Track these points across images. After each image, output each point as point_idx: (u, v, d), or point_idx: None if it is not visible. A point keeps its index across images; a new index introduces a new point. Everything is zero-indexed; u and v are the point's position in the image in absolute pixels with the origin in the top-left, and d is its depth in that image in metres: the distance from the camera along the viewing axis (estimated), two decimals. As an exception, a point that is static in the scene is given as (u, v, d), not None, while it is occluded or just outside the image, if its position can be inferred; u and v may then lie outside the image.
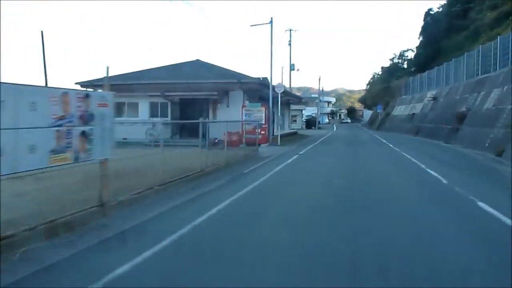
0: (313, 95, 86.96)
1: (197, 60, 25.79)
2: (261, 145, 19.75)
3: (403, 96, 48.74)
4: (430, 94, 36.47)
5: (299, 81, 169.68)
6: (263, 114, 19.83)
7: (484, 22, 40.37)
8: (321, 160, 14.24)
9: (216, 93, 20.01)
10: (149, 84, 20.99)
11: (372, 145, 23.12)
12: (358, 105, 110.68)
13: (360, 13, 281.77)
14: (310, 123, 62.01)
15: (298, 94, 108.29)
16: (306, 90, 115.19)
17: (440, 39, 50.55)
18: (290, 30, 55.28)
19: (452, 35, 48.21)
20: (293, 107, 60.93)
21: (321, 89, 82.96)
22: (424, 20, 55.67)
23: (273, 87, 20.43)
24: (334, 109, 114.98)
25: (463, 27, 45.82)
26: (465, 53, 29.54)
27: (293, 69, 55.75)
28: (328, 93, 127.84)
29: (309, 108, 74.59)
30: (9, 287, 3.45)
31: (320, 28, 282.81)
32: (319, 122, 64.93)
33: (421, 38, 56.20)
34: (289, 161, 13.53)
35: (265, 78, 51.69)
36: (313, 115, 67.48)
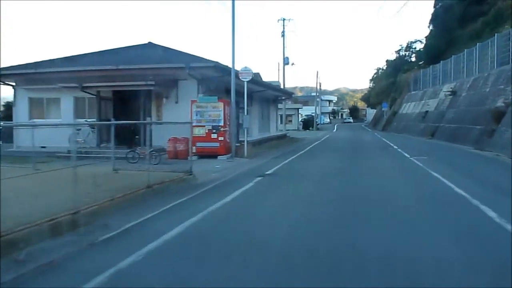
0: (313, 94, 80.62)
1: (149, 43, 19.65)
2: (219, 157, 13.62)
3: (412, 92, 42.47)
4: (447, 87, 30.21)
5: (301, 81, 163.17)
6: (221, 112, 13.66)
7: (509, 4, 34.09)
8: (292, 193, 8.02)
9: (153, 82, 13.86)
10: (62, 72, 14.85)
11: (381, 155, 16.83)
12: (361, 104, 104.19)
13: (361, 8, 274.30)
14: (308, 123, 55.68)
15: (300, 94, 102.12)
16: (309, 90, 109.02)
17: (454, 27, 44.32)
18: (284, 19, 49.41)
19: (468, 22, 41.95)
20: (288, 106, 54.68)
21: (322, 87, 77.04)
22: (434, 7, 49.43)
23: (237, 73, 14.23)
24: (335, 108, 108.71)
25: (480, 13, 39.58)
26: (496, 34, 23.27)
27: (287, 63, 49.73)
28: (331, 93, 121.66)
29: (307, 107, 68.28)
30: None
31: (322, 26, 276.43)
32: (317, 122, 58.49)
33: (431, 27, 49.88)
34: (233, 195, 7.30)
35: (257, 74, 45.02)
36: (313, 114, 61.05)
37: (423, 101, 36.41)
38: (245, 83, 14.25)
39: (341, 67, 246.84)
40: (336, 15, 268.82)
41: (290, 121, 53.81)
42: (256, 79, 16.96)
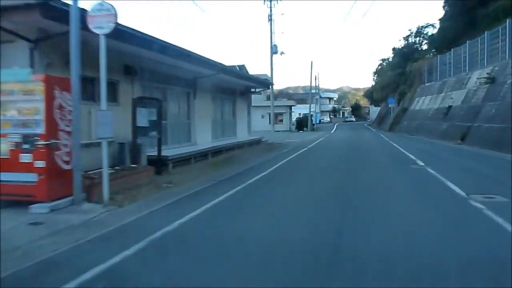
0: (312, 91, 72.77)
1: None
2: (34, 206, 5.89)
3: (427, 84, 34.66)
4: (480, 73, 22.43)
5: (302, 81, 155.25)
6: (42, 104, 5.93)
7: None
8: None
9: None
10: None
11: (402, 188, 8.88)
12: (364, 102, 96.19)
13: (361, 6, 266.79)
14: (302, 123, 47.82)
15: (301, 92, 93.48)
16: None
17: (474, 6, 36.58)
18: (270, 0, 41.75)
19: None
20: (278, 103, 46.96)
21: (324, 86, 69.31)
22: (450, -16, 41.62)
23: (83, 14, 6.37)
24: (336, 106, 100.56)
25: (507, -14, 31.72)
26: None
27: (276, 52, 41.79)
28: (333, 92, 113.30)
29: (305, 105, 60.39)
30: None
31: (323, 25, 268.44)
32: (313, 122, 50.54)
33: (446, 8, 42.07)
34: None
35: (242, 66, 36.39)
36: (312, 113, 53.01)
37: (443, 94, 28.61)
38: (103, 39, 6.41)
39: (343, 66, 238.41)
40: (336, 13, 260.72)
41: (281, 120, 46.10)
42: (156, 40, 9.11)
